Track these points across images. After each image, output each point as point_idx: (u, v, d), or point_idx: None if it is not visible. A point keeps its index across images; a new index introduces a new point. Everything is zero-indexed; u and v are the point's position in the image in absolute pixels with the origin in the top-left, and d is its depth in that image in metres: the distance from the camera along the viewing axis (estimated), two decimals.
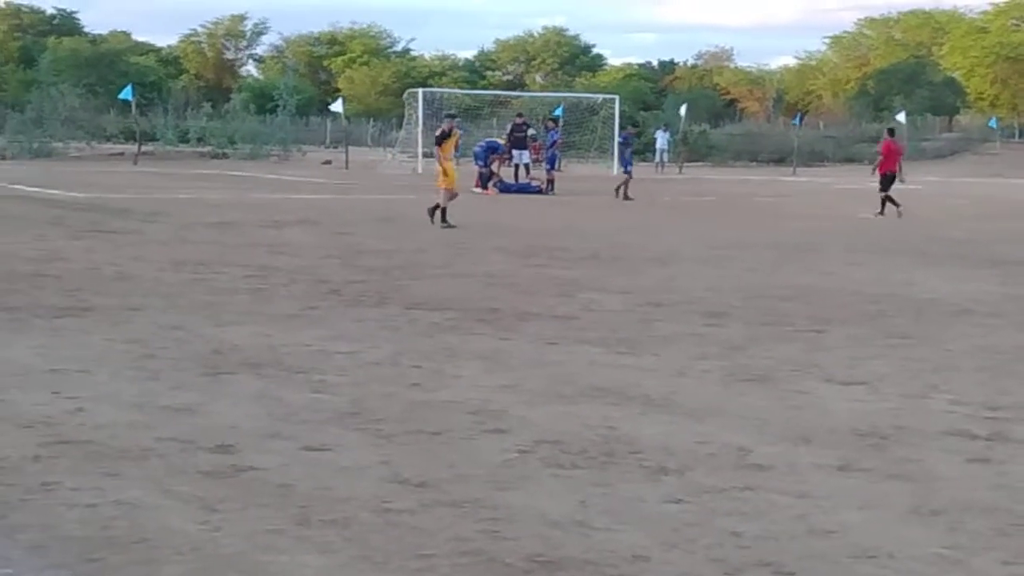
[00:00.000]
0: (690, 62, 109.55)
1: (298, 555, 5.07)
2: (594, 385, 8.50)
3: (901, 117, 58.83)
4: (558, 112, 48.42)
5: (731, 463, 6.60)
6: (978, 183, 47.66)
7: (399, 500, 5.79)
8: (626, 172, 32.16)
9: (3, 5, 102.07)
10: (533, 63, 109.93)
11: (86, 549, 5.07)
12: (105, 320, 10.69)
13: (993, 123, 67.00)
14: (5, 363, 8.72)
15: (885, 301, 13.31)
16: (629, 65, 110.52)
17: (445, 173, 21.58)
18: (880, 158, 28.45)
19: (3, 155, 47.41)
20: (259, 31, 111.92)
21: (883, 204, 27.15)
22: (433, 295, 12.80)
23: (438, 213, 21.25)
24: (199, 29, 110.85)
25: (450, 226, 20.82)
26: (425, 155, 46.33)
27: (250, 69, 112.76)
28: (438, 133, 22.62)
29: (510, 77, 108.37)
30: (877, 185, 27.83)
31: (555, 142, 36.52)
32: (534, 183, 34.40)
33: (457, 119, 24.74)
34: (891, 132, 30.21)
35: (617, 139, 35.10)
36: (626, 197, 31.20)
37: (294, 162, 51.26)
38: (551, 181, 33.92)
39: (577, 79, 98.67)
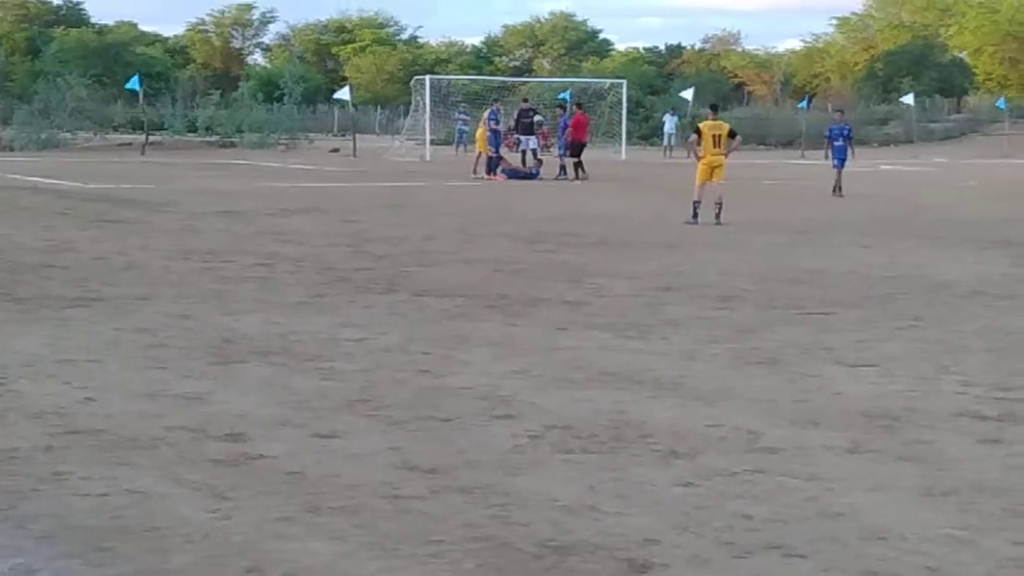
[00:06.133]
0: (697, 46, 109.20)
1: (308, 542, 5.07)
2: (604, 370, 8.49)
3: (909, 99, 58.66)
4: (564, 96, 48.27)
5: (741, 446, 6.59)
6: (987, 164, 47.53)
7: (409, 486, 5.79)
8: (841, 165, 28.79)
9: None
10: (540, 48, 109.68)
11: (97, 538, 5.07)
12: (114, 310, 10.70)
13: (1002, 104, 66.67)
14: (14, 354, 8.73)
15: (895, 284, 13.28)
16: (636, 49, 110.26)
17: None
18: (570, 129, 34.25)
19: (11, 146, 47.44)
20: (266, 20, 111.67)
21: (576, 168, 33.22)
22: (442, 281, 12.80)
23: (717, 210, 20.15)
24: (206, 18, 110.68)
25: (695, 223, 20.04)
26: (432, 142, 46.39)
27: (257, 58, 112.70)
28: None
29: (517, 63, 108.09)
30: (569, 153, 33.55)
31: (567, 127, 36.17)
32: (533, 169, 34.28)
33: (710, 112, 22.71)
34: (579, 106, 36.38)
35: (843, 133, 29.26)
36: (835, 191, 28.41)
37: (302, 150, 51.21)
38: (563, 167, 33.84)
39: (584, 64, 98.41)
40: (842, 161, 28.90)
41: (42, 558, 4.88)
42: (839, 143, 29.30)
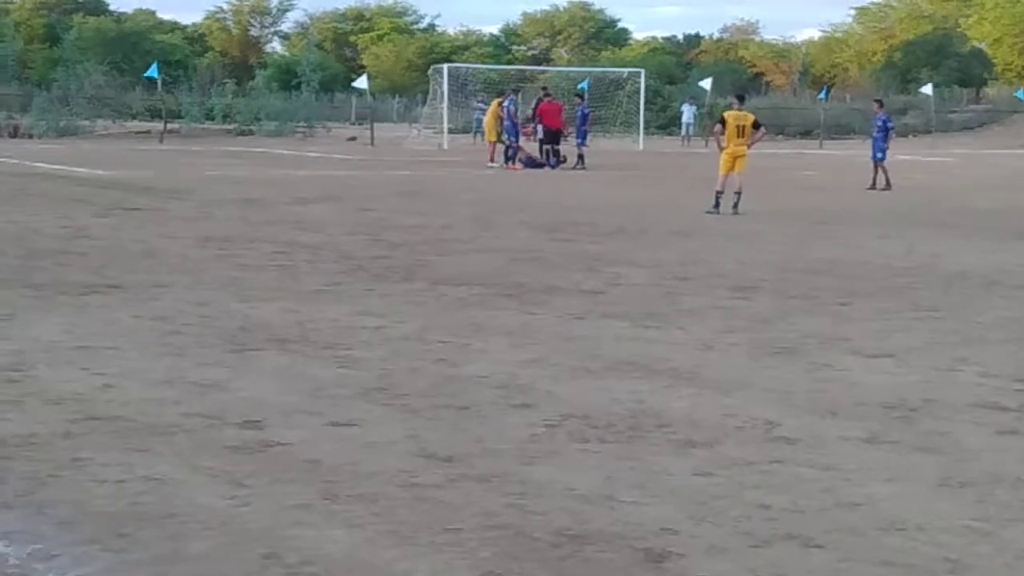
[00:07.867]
0: (715, 35, 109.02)
1: (326, 530, 5.08)
2: (621, 359, 8.48)
3: (928, 89, 58.44)
4: (583, 86, 48.20)
5: (759, 436, 6.58)
6: (1006, 155, 47.31)
7: (426, 475, 5.79)
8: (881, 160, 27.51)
9: None
10: (559, 38, 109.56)
11: (115, 524, 5.09)
12: (132, 297, 10.72)
13: (1020, 94, 66.34)
14: (33, 340, 8.75)
15: (913, 274, 13.25)
16: (654, 39, 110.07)
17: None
18: (539, 117, 34.68)
19: (30, 134, 47.52)
20: (285, 8, 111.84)
21: (556, 155, 34.07)
22: (459, 270, 12.80)
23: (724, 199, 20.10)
24: (224, 6, 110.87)
25: (717, 212, 19.92)
26: (450, 131, 46.37)
27: (275, 46, 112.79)
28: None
29: (536, 52, 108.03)
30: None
31: (587, 116, 36.30)
32: (552, 159, 34.34)
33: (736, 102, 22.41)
34: (547, 93, 37.13)
35: (876, 123, 28.11)
36: (872, 186, 26.98)
37: (319, 139, 51.22)
38: (581, 156, 33.85)
39: (602, 53, 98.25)
40: (875, 154, 27.70)
41: (61, 544, 4.89)
42: (875, 134, 28.19)
